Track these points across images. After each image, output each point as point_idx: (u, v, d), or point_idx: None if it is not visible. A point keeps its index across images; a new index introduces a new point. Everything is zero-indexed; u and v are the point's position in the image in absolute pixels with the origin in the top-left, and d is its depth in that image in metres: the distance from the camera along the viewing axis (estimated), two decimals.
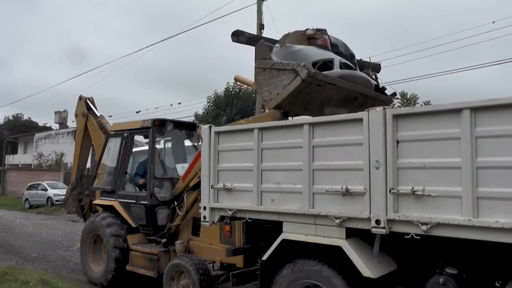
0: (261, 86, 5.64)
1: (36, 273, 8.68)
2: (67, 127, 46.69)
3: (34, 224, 19.20)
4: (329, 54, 5.80)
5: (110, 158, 9.20)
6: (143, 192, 8.14)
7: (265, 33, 17.21)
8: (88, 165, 11.10)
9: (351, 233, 4.47)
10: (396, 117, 4.03)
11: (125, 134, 8.62)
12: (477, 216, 3.53)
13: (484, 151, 3.54)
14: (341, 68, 5.68)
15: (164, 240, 7.70)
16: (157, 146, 9.14)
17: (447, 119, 3.75)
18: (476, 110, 3.58)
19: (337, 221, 4.39)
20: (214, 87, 54.82)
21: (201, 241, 7.36)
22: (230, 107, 32.07)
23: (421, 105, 21.01)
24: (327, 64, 5.68)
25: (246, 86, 33.68)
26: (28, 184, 29.82)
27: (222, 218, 5.72)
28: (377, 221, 4.06)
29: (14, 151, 56.93)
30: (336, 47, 6.07)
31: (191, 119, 31.06)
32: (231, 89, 34.17)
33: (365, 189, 4.17)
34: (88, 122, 10.18)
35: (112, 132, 9.09)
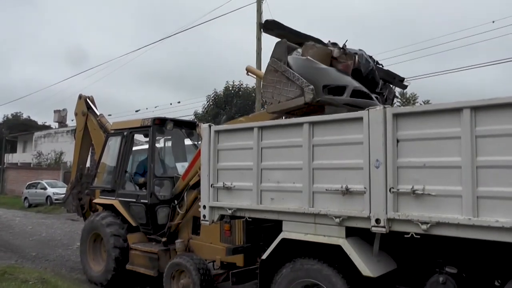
0: (267, 86, 5.60)
1: (35, 272, 8.68)
2: (66, 126, 46.62)
3: (33, 223, 19.19)
4: (344, 80, 5.44)
5: (110, 157, 9.19)
6: (143, 191, 8.13)
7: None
8: (87, 164, 11.08)
9: (351, 232, 4.47)
10: (396, 116, 4.03)
11: (125, 133, 8.61)
12: (477, 216, 3.53)
13: (484, 150, 3.54)
14: (354, 95, 5.42)
15: (164, 239, 7.70)
16: (157, 145, 9.13)
17: (447, 118, 3.75)
18: (476, 109, 3.58)
19: (337, 220, 4.38)
20: (213, 86, 54.77)
21: (202, 240, 7.35)
22: (230, 106, 32.10)
23: (421, 104, 21.05)
24: (339, 88, 5.47)
25: (246, 84, 33.62)
26: (27, 183, 29.77)
27: (221, 217, 5.72)
28: (377, 220, 4.06)
29: (13, 150, 56.87)
30: (359, 72, 5.68)
31: (190, 118, 31.03)
32: (230, 88, 34.20)
33: (365, 188, 4.17)
34: (88, 121, 10.17)
35: (112, 131, 9.07)
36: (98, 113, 10.14)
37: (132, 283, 8.22)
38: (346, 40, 5.65)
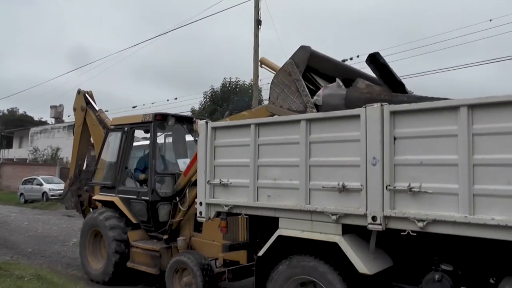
0: (277, 84, 5.52)
1: (31, 268, 8.67)
2: (63, 121, 46.46)
3: (29, 219, 19.15)
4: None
5: (110, 153, 9.12)
6: (144, 188, 8.07)
7: (262, 28, 17.16)
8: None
9: (347, 230, 4.47)
10: (394, 113, 4.03)
11: (126, 129, 8.54)
12: (473, 213, 3.54)
13: (480, 148, 3.55)
14: None
15: (165, 237, 7.65)
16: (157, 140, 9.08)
17: (444, 116, 3.76)
18: (473, 107, 3.59)
19: (334, 217, 4.39)
20: (210, 83, 54.64)
21: (203, 237, 7.32)
22: (227, 102, 32.04)
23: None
24: None
25: (243, 81, 33.53)
26: (23, 179, 29.68)
27: (218, 214, 5.71)
28: (374, 218, 4.07)
29: (9, 146, 56.68)
30: None
31: (187, 114, 30.96)
32: (227, 85, 34.14)
33: (361, 185, 4.17)
34: (87, 116, 10.08)
35: (112, 127, 9.00)
36: (97, 109, 10.06)
37: (133, 280, 8.18)
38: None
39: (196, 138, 9.07)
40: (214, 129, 5.67)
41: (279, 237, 4.95)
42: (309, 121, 4.69)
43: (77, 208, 10.41)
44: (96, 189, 9.40)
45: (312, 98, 5.23)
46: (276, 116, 5.48)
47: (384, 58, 5.41)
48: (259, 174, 5.11)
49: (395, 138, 4.01)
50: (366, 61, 5.35)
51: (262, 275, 5.17)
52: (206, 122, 5.77)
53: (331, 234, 4.51)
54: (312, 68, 5.61)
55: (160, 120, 8.08)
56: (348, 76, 6.13)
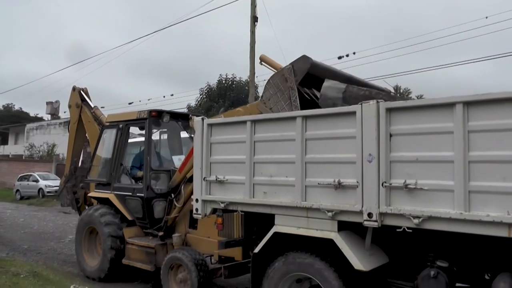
0: (271, 87, 5.55)
1: (27, 265, 8.64)
2: (59, 118, 46.25)
3: (25, 215, 19.10)
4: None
5: (105, 149, 9.09)
6: (139, 185, 8.07)
7: (259, 25, 17.11)
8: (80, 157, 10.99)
9: (343, 226, 4.48)
10: (390, 110, 4.03)
11: (121, 126, 8.53)
12: (468, 210, 3.55)
13: (476, 145, 3.56)
14: None
15: (161, 233, 7.64)
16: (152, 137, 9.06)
17: (440, 113, 3.76)
18: (469, 104, 3.59)
19: (329, 214, 4.39)
20: (206, 79, 54.56)
21: (199, 234, 7.32)
22: (223, 99, 32.03)
23: (414, 99, 21.07)
24: None
25: (239, 78, 33.49)
26: (19, 175, 29.59)
27: (214, 211, 5.70)
28: (369, 214, 4.07)
29: (4, 142, 56.48)
30: None
31: (183, 110, 30.91)
32: (223, 81, 34.13)
33: (357, 182, 4.17)
34: (82, 113, 10.06)
35: (107, 124, 8.98)
36: (92, 105, 10.03)
37: (128, 277, 8.18)
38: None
39: (192, 135, 9.10)
40: (210, 125, 5.66)
41: (275, 233, 4.95)
42: (305, 117, 4.68)
43: (72, 205, 10.38)
44: (91, 186, 9.37)
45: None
46: (272, 113, 5.48)
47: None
48: (255, 171, 5.11)
49: (391, 135, 4.01)
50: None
51: (258, 271, 5.18)
52: (202, 119, 5.76)
53: (327, 231, 4.51)
54: (311, 75, 5.61)
55: (155, 117, 8.07)
56: (351, 82, 6.15)
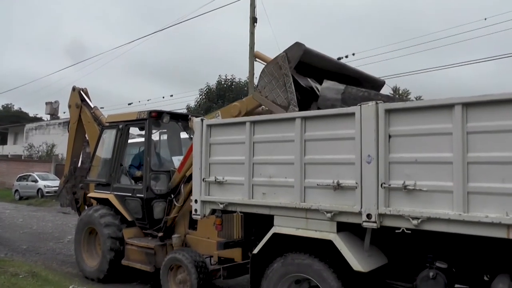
0: (266, 75, 5.56)
1: (25, 265, 8.64)
2: (58, 118, 46.23)
3: (24, 215, 19.08)
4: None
5: (105, 150, 9.08)
6: (139, 185, 8.06)
7: (258, 25, 17.08)
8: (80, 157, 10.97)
9: (342, 227, 4.48)
10: (389, 111, 4.04)
11: (121, 126, 8.52)
12: (467, 211, 3.56)
13: (475, 146, 3.56)
14: None
15: (160, 234, 7.63)
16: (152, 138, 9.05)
17: (439, 114, 3.76)
18: (468, 105, 3.59)
19: (328, 215, 4.39)
20: (206, 80, 54.55)
21: (198, 235, 7.31)
22: (222, 99, 32.01)
23: (413, 100, 21.12)
24: None
25: (238, 79, 33.49)
26: (18, 175, 29.53)
27: (213, 212, 5.70)
28: (368, 215, 4.07)
29: (3, 142, 56.40)
30: None
31: (183, 111, 30.91)
32: (223, 82, 34.11)
33: (356, 183, 4.18)
34: (82, 113, 10.05)
35: (107, 124, 8.98)
36: (92, 106, 10.02)
37: (128, 277, 8.17)
38: None
39: (191, 136, 9.09)
40: (210, 126, 5.66)
41: (274, 234, 4.94)
42: (304, 119, 4.68)
43: (72, 206, 10.38)
44: (91, 186, 9.36)
45: (297, 96, 5.28)
46: (272, 114, 5.48)
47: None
48: (254, 172, 5.11)
49: (390, 136, 4.02)
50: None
51: (257, 272, 5.17)
52: (202, 120, 5.75)
53: (326, 232, 4.51)
54: (305, 63, 5.62)
55: (155, 118, 8.07)
56: (343, 71, 6.17)
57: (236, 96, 31.62)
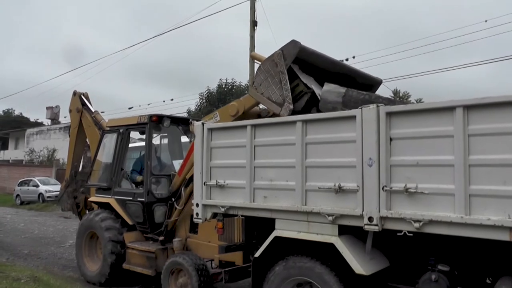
0: (262, 72, 5.58)
1: (27, 270, 8.63)
2: (59, 122, 46.27)
3: (25, 220, 19.07)
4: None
5: (105, 154, 9.10)
6: (140, 189, 8.06)
7: (258, 28, 17.10)
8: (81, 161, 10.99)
9: (343, 230, 4.47)
10: (390, 114, 4.04)
11: (121, 130, 8.54)
12: (469, 214, 3.55)
13: (476, 149, 3.56)
14: None
15: (161, 238, 7.63)
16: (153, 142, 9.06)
17: (440, 117, 3.76)
18: (469, 108, 3.59)
19: (330, 218, 4.39)
20: (206, 84, 54.61)
21: (199, 238, 7.30)
22: (223, 103, 32.03)
23: (414, 102, 21.10)
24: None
25: (239, 82, 33.53)
26: (19, 180, 29.54)
27: (214, 215, 5.70)
28: (370, 218, 4.07)
29: (4, 147, 56.48)
30: None
31: (183, 115, 30.93)
32: (223, 86, 34.17)
33: (358, 186, 4.17)
34: (82, 117, 10.07)
35: (108, 128, 8.99)
36: (93, 110, 10.04)
37: (129, 281, 8.15)
38: None
39: (192, 140, 9.09)
40: (210, 130, 5.66)
41: (276, 238, 4.94)
42: (305, 122, 4.69)
43: (73, 210, 10.38)
44: (92, 191, 9.37)
45: (292, 94, 5.32)
46: (273, 118, 5.50)
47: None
48: (255, 175, 5.11)
49: (391, 139, 4.02)
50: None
51: (258, 276, 5.17)
52: (203, 124, 5.76)
53: (328, 235, 4.51)
54: (301, 60, 5.64)
55: (155, 122, 8.08)
56: (338, 70, 6.19)
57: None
